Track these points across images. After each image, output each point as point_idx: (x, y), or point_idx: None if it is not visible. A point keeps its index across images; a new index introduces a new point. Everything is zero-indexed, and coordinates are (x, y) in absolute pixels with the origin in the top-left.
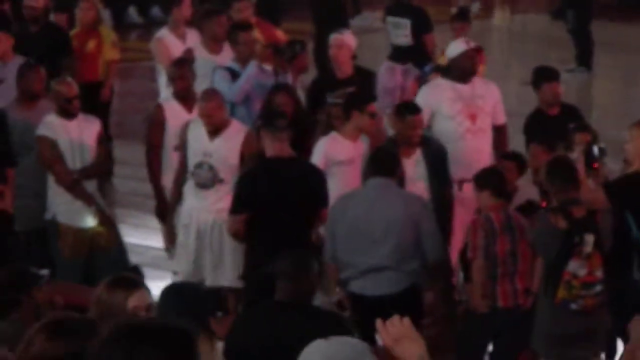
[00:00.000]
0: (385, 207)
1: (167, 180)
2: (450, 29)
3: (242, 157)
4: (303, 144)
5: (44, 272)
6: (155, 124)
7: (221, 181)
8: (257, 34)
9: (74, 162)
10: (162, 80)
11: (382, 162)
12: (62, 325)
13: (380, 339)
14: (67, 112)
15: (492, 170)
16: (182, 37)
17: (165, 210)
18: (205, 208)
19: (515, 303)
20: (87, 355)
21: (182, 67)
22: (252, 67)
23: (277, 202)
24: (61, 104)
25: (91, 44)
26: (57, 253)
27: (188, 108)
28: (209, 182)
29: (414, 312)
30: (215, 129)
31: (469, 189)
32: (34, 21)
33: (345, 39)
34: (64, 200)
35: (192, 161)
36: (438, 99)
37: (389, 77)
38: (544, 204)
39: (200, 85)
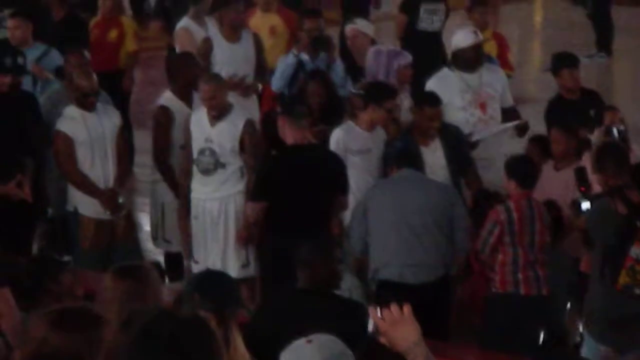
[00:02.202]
0: (421, 195)
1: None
2: (469, 16)
3: (242, 144)
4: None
5: (66, 259)
6: (162, 125)
7: (223, 166)
8: (277, 20)
9: (93, 154)
10: None
11: (411, 155)
12: (65, 316)
13: (372, 324)
14: (82, 106)
15: (522, 159)
16: (204, 25)
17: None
18: (210, 196)
19: (538, 290)
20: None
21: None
22: (290, 57)
23: (296, 190)
24: (77, 96)
25: (113, 34)
26: (77, 243)
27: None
28: (211, 167)
29: (446, 301)
30: (217, 114)
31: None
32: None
33: (358, 29)
34: None
35: (195, 150)
36: (448, 90)
37: (373, 59)
38: (582, 189)
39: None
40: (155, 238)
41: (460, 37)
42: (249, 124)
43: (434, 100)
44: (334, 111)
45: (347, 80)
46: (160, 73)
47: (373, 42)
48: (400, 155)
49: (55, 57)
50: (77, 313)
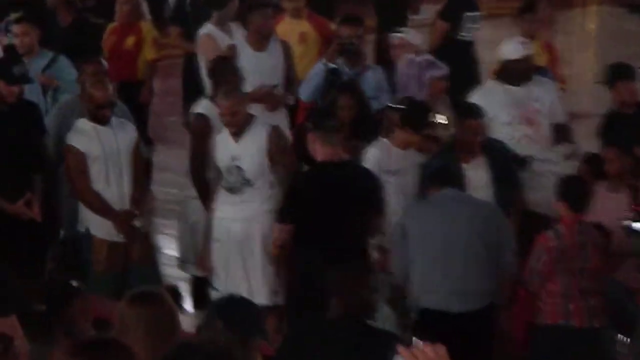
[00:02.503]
0: (466, 216)
1: None
2: (518, 23)
3: (271, 156)
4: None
5: (76, 283)
6: (199, 135)
7: (250, 183)
8: (307, 27)
9: (107, 171)
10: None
11: (452, 173)
12: (91, 348)
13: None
14: (96, 118)
15: (574, 179)
16: (228, 32)
17: None
18: (235, 217)
19: (590, 322)
20: None
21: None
22: (319, 66)
23: (327, 210)
24: (91, 108)
25: (130, 41)
26: (90, 266)
27: None
28: (238, 185)
29: (491, 330)
30: (239, 129)
31: None
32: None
33: (406, 39)
34: None
35: (222, 170)
36: (493, 105)
37: (404, 70)
38: (637, 208)
39: (245, 86)
40: (183, 261)
41: (508, 48)
42: (272, 131)
43: (476, 112)
44: (366, 125)
45: (382, 92)
46: (179, 82)
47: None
48: (441, 173)
49: (64, 65)
50: (103, 345)
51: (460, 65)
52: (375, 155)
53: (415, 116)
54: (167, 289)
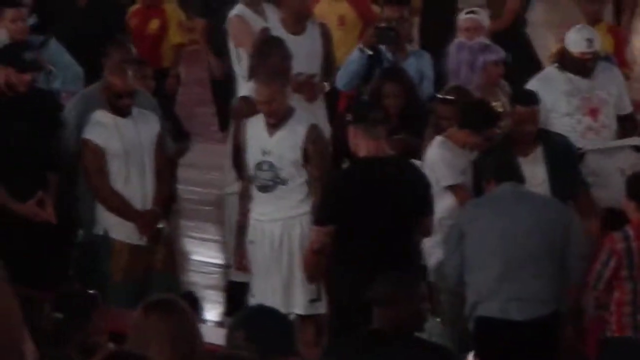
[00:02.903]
0: (530, 214)
1: None
2: (579, 7)
3: (306, 155)
4: (415, 144)
5: (93, 292)
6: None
7: (284, 182)
8: (347, 8)
9: (128, 168)
10: (242, 67)
11: (510, 166)
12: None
13: None
14: (115, 108)
15: None
16: (262, 13)
17: None
18: (270, 217)
19: None
20: None
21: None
22: (356, 51)
23: (372, 211)
24: (109, 97)
25: (153, 24)
26: (108, 273)
27: None
28: (269, 183)
29: (555, 341)
30: (276, 121)
31: None
32: None
33: (479, 20)
34: None
35: (252, 163)
36: (552, 94)
37: (454, 55)
38: None
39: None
40: (228, 267)
41: (571, 39)
42: (312, 129)
43: (527, 98)
44: (414, 116)
45: (422, 81)
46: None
47: None
48: (500, 166)
49: (55, 49)
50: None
51: (520, 48)
52: (441, 156)
53: (475, 117)
54: (184, 296)
